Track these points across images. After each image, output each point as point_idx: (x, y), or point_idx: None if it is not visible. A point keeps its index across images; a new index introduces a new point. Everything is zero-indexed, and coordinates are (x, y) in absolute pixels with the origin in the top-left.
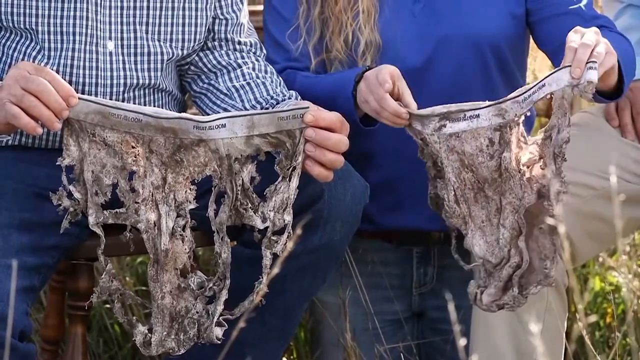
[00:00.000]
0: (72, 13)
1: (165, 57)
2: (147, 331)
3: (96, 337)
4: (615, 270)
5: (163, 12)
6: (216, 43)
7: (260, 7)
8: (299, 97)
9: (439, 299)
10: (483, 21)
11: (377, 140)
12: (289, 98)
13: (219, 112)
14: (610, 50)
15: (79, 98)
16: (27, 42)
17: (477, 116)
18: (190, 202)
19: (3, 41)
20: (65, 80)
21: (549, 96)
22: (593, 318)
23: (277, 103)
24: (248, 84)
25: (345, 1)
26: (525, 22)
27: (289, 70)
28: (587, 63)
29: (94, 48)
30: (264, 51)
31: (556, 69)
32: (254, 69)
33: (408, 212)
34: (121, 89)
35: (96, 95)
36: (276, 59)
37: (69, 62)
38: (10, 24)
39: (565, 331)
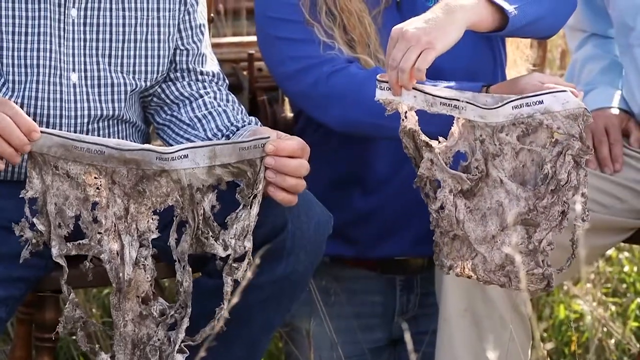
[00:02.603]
0: (36, 46)
1: (129, 89)
2: (109, 359)
3: None
4: (580, 298)
5: (125, 45)
6: (178, 74)
7: (226, 40)
8: (259, 123)
9: (419, 326)
10: None
11: (370, 166)
12: (249, 124)
13: (183, 143)
14: (430, 44)
15: (42, 132)
16: None
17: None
18: (152, 231)
19: None
20: (30, 112)
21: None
22: (549, 345)
23: (237, 129)
24: (210, 113)
25: (364, 32)
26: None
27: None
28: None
29: (57, 80)
30: (227, 81)
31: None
32: (215, 98)
33: (393, 240)
34: (85, 120)
35: (61, 126)
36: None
37: (33, 94)
38: None
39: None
